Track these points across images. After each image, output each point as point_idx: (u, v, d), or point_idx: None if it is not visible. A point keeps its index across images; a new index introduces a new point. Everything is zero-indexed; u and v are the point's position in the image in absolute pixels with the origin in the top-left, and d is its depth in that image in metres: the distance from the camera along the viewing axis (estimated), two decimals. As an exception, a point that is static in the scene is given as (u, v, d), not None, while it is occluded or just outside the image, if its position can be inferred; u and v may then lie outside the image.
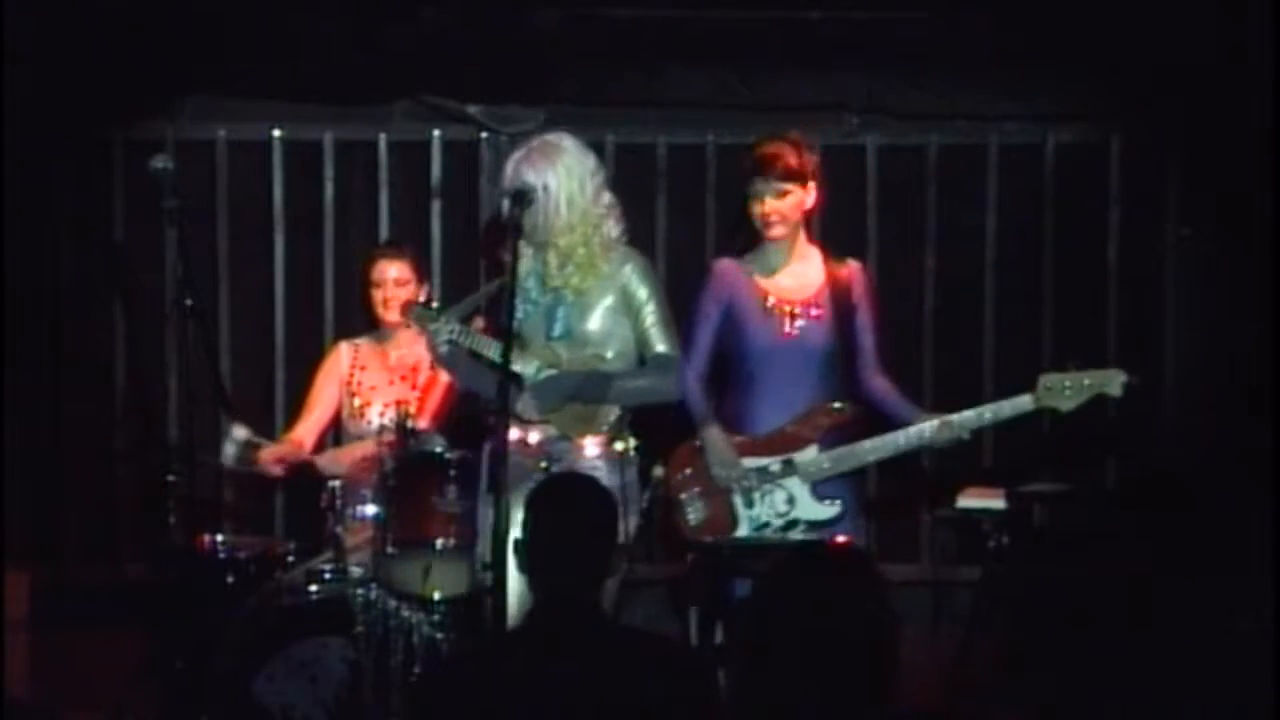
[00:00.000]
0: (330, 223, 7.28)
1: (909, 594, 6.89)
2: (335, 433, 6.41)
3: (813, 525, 5.61)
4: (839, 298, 5.72)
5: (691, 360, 5.65)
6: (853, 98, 7.24)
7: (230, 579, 5.73)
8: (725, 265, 5.78)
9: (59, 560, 7.16)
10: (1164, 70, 6.91)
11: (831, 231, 6.13)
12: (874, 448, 5.66)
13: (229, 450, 5.98)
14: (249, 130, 7.25)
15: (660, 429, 5.65)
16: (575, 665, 3.87)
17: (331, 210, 7.28)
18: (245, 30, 6.91)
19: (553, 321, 5.46)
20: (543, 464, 5.36)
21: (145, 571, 6.66)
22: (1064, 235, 7.30)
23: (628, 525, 5.05)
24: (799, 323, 5.69)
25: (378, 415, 6.09)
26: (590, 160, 5.46)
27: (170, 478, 5.71)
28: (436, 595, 5.48)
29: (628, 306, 5.46)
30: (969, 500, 6.39)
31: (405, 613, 5.51)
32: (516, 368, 5.34)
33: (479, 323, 5.52)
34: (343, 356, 6.35)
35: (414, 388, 6.18)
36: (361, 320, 6.53)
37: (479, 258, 7.01)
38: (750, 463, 5.64)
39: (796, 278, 5.74)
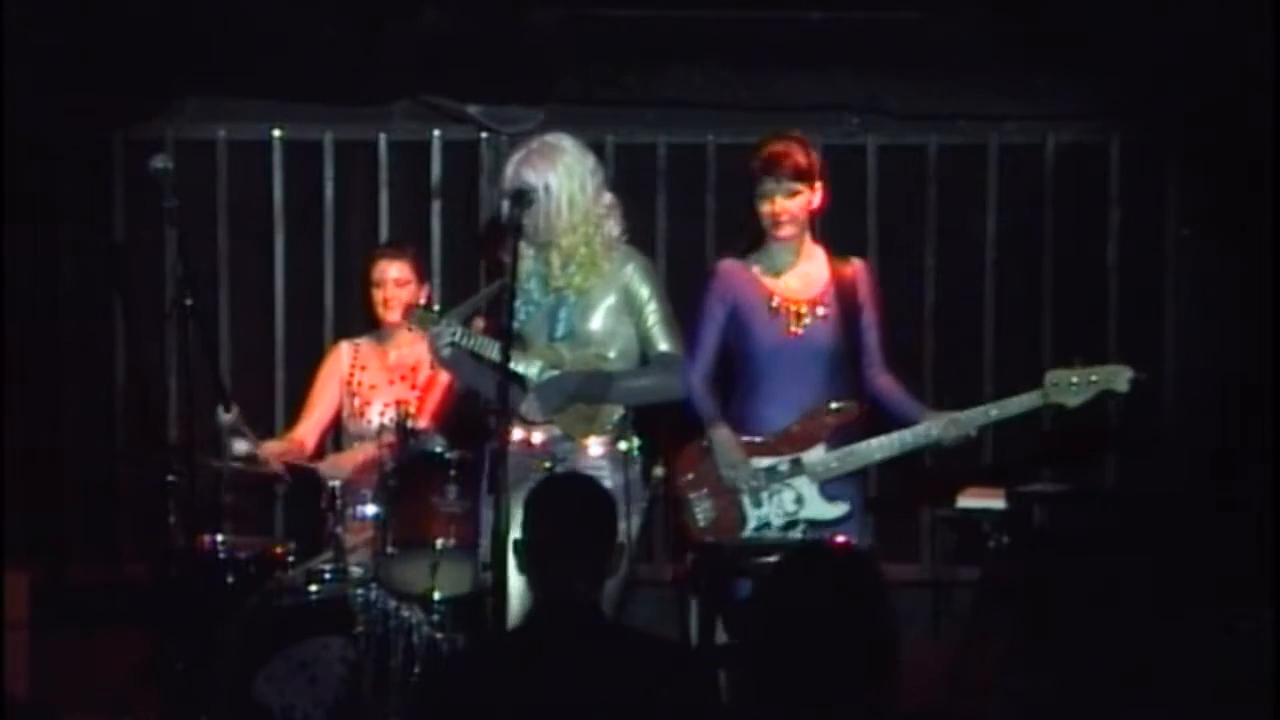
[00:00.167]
0: (330, 223, 7.28)
1: (909, 594, 6.89)
2: (335, 433, 6.41)
3: (819, 525, 5.59)
4: (845, 297, 5.69)
5: (697, 361, 5.62)
6: (853, 98, 7.24)
7: (230, 579, 5.73)
8: (729, 265, 5.75)
9: (59, 560, 7.16)
10: (1164, 70, 6.91)
11: (832, 231, 6.12)
12: (881, 446, 5.64)
13: (239, 447, 5.97)
14: (249, 130, 7.26)
15: (662, 429, 5.64)
16: (575, 665, 3.86)
17: (331, 210, 7.29)
18: (245, 30, 6.91)
19: (555, 322, 5.45)
20: (546, 464, 5.35)
21: (145, 571, 6.65)
22: (1064, 235, 7.30)
23: (630, 525, 5.06)
24: (805, 322, 5.67)
25: (378, 415, 6.08)
26: (590, 160, 5.45)
27: (170, 478, 5.72)
28: (437, 595, 5.48)
29: (630, 306, 5.45)
30: (969, 500, 6.40)
31: (405, 613, 5.51)
32: (520, 369, 5.34)
33: (480, 323, 5.50)
34: (343, 356, 6.35)
35: (414, 387, 6.18)
36: (361, 320, 6.53)
37: (479, 258, 7.01)
38: (758, 463, 5.63)
39: (802, 278, 5.71)
